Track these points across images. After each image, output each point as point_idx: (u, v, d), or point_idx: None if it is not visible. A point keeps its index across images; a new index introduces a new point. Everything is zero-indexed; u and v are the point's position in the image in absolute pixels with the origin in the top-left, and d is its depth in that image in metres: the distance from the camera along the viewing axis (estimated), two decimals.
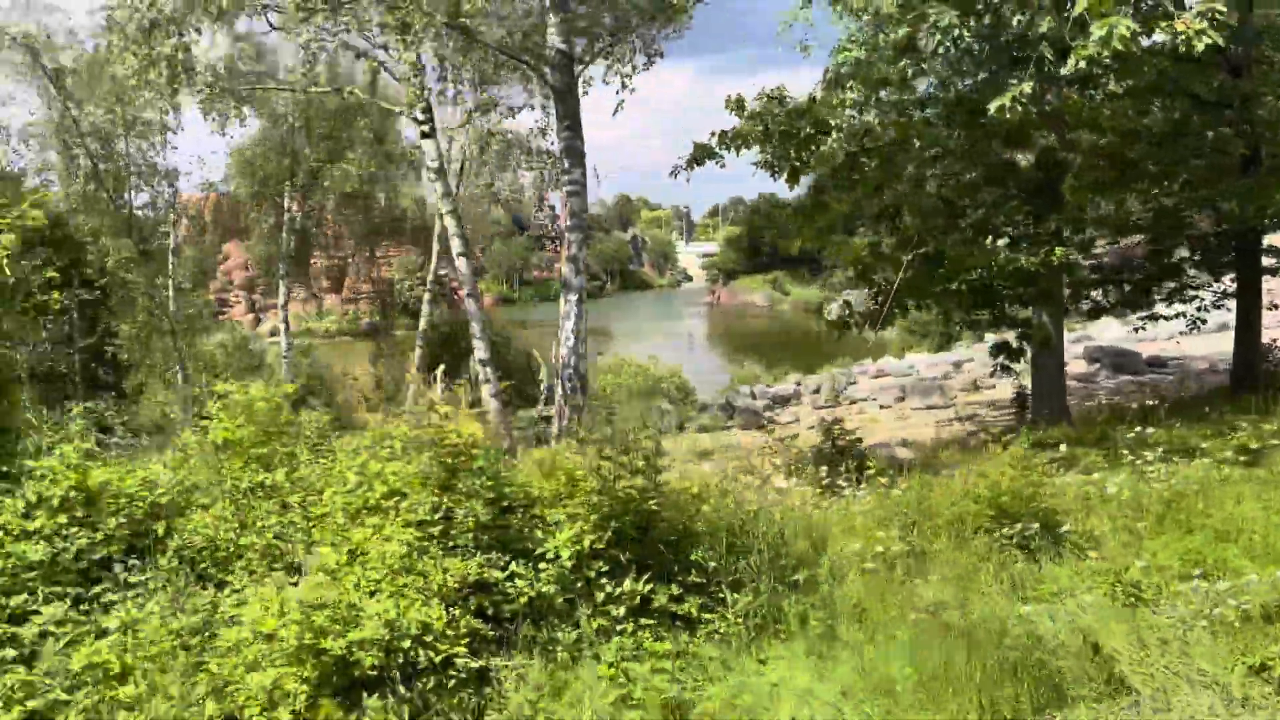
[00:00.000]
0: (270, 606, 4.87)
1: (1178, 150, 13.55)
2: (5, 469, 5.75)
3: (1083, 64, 8.25)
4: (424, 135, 10.76)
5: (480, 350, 10.68)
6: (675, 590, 5.66)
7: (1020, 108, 8.89)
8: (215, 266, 51.70)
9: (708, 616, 5.70)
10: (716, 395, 28.86)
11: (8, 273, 6.11)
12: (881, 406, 25.85)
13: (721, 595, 5.81)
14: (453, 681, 4.76)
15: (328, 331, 60.58)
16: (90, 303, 19.61)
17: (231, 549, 5.73)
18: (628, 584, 5.56)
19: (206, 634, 4.96)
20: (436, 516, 5.46)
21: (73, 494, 5.55)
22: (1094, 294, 17.27)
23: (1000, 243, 13.53)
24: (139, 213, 20.54)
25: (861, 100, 9.54)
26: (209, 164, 44.59)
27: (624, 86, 10.82)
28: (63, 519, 5.44)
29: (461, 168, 19.94)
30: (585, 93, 10.57)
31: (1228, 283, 16.58)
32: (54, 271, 8.72)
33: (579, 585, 5.55)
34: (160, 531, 5.76)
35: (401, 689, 4.64)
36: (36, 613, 4.90)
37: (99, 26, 21.61)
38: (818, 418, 19.01)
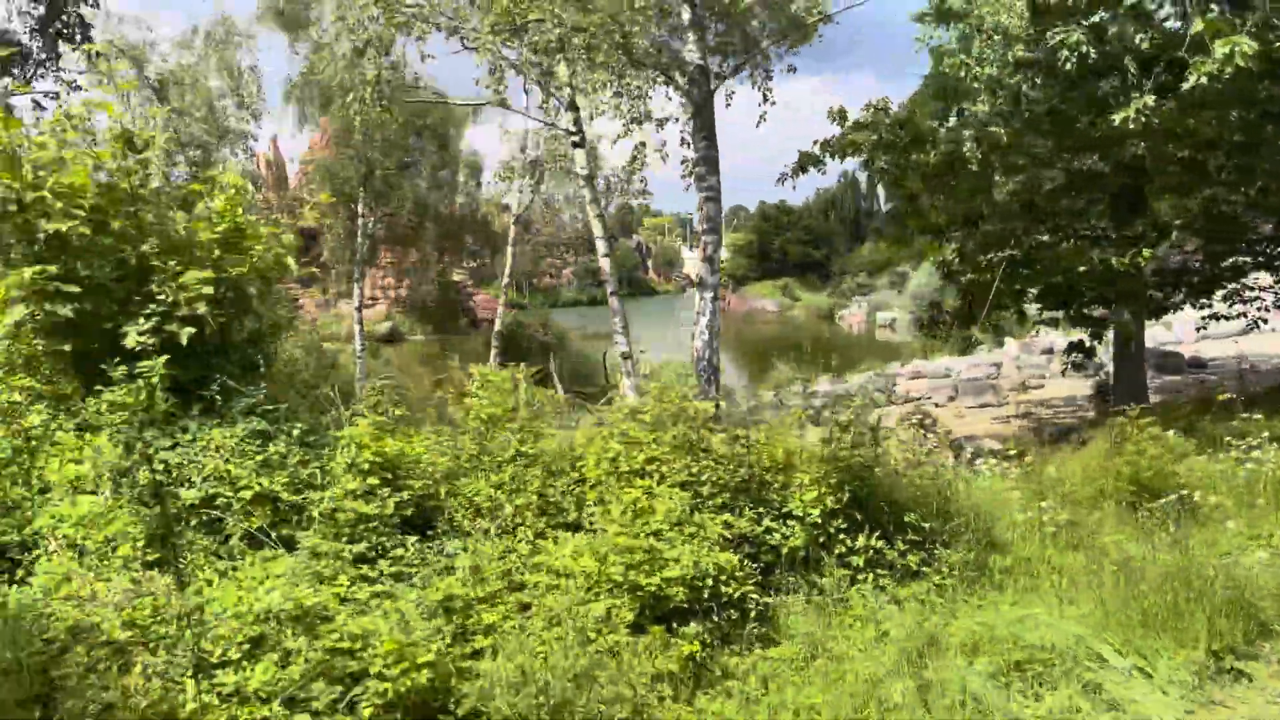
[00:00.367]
0: (581, 552, 5.71)
1: (1252, 158, 14.33)
2: (312, 438, 6.57)
3: (1203, 79, 9.04)
4: (575, 145, 11.68)
5: (621, 345, 11.53)
6: (902, 546, 6.48)
7: (1144, 119, 9.70)
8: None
9: (925, 570, 6.51)
10: (767, 395, 29.62)
11: (294, 268, 6.94)
12: (936, 405, 26.64)
13: (936, 552, 6.62)
14: (751, 613, 5.57)
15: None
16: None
17: (509, 509, 6.55)
18: (861, 539, 6.38)
19: (519, 573, 5.77)
20: (702, 477, 6.28)
21: (376, 459, 6.37)
22: (1156, 294, 18.00)
23: (1081, 245, 14.37)
24: None
25: (975, 111, 10.32)
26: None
27: (765, 100, 11.69)
28: (374, 480, 6.26)
29: (541, 179, 20.85)
30: (729, 104, 11.53)
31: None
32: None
33: (821, 540, 6.37)
34: (443, 493, 6.59)
35: (709, 620, 5.46)
36: (382, 558, 5.73)
37: (181, 37, 22.64)
38: (895, 413, 19.74)
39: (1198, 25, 9.23)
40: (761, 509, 6.39)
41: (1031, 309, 16.62)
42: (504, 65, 9.69)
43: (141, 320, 6.06)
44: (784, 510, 6.43)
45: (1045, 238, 15.47)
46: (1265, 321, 18.05)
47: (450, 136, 27.65)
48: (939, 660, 5.29)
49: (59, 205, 5.73)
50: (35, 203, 5.91)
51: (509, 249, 25.25)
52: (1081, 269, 13.87)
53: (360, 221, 24.96)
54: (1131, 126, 9.90)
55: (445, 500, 6.61)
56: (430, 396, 22.32)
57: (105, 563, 5.26)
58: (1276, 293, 17.88)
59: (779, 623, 5.83)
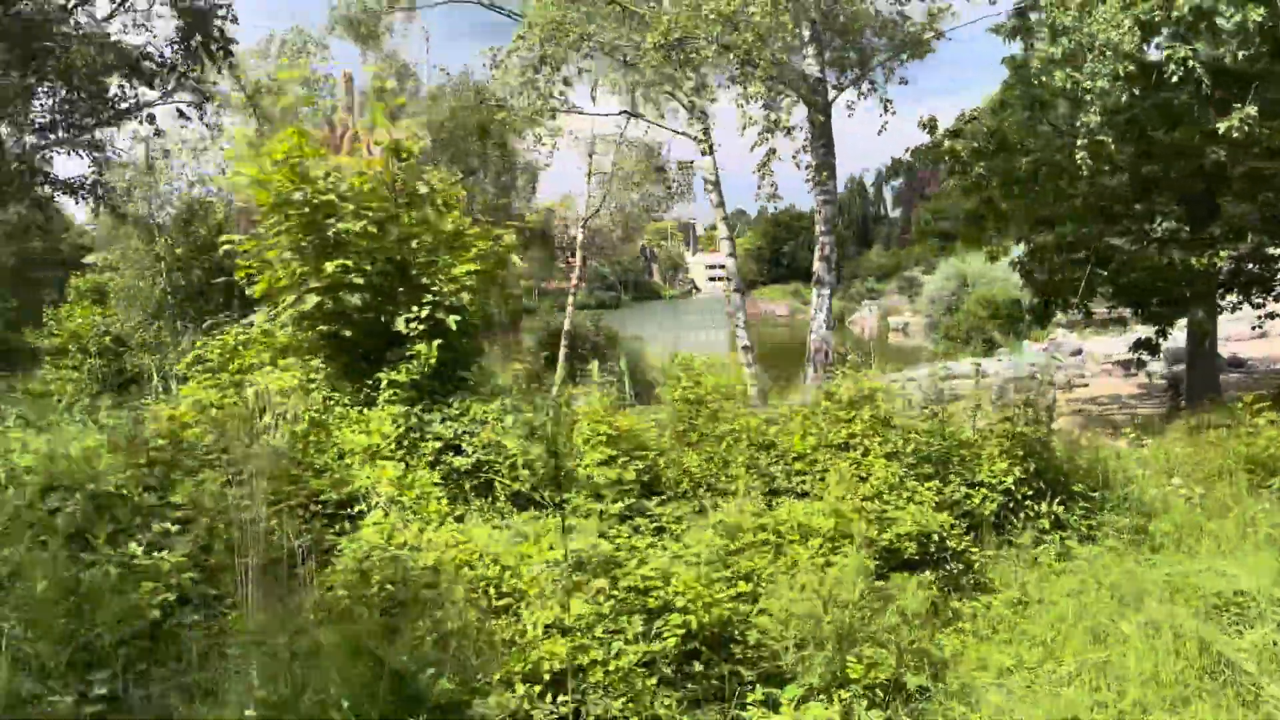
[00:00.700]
0: (812, 512, 6.50)
1: None
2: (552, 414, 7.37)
3: None
4: (703, 153, 12.55)
5: (742, 338, 12.34)
6: (1079, 510, 7.26)
7: (1247, 128, 10.49)
8: None
9: (1096, 533, 7.29)
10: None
11: (519, 264, 7.74)
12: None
13: (1101, 517, 7.40)
14: (974, 565, 6.36)
15: None
16: None
17: (721, 478, 7.34)
18: (1044, 505, 7.16)
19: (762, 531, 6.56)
20: (907, 449, 7.08)
21: (611, 433, 7.17)
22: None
23: (1151, 247, 15.16)
24: None
25: (1086, 121, 11.07)
26: None
27: (885, 110, 12.52)
28: (612, 451, 7.06)
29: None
30: (850, 113, 12.39)
31: None
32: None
33: (1010, 505, 7.15)
34: (661, 464, 7.38)
35: (939, 570, 6.25)
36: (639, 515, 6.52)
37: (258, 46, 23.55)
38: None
39: None
40: (956, 478, 7.18)
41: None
42: (643, 79, 10.51)
43: (415, 309, 6.85)
44: (974, 480, 7.21)
45: (1116, 241, 16.24)
46: None
47: (509, 142, 28.48)
48: (1142, 605, 6.06)
49: (349, 208, 6.52)
50: (324, 205, 6.71)
51: (579, 253, 26.06)
52: (1161, 268, 14.63)
53: None
54: (1235, 135, 10.67)
55: (664, 470, 7.41)
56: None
57: (419, 516, 6.05)
58: None
59: (986, 575, 6.61)
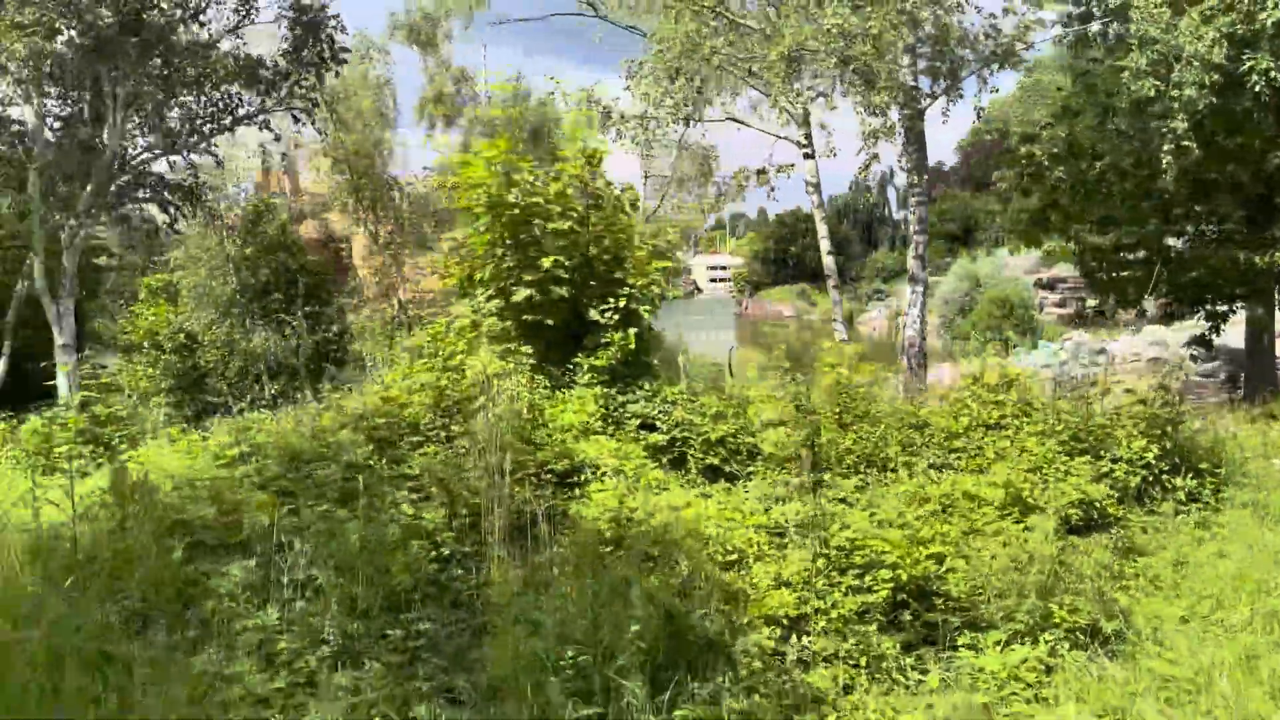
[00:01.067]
0: (980, 484, 7.18)
1: None
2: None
3: None
4: (806, 156, 13.29)
5: (840, 333, 13.07)
6: (1210, 485, 7.95)
7: None
8: None
9: (1221, 506, 7.97)
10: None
11: (679, 262, 8.41)
12: None
13: (1225, 491, 8.09)
14: (1135, 530, 7.05)
15: None
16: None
17: (878, 456, 8.03)
18: (1180, 480, 7.84)
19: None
20: (1058, 428, 7.77)
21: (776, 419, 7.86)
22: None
23: (1210, 247, 15.87)
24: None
25: (1173, 128, 11.73)
26: None
27: (979, 117, 13.23)
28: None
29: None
30: (946, 119, 13.14)
31: None
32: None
33: (1149, 479, 7.84)
34: (824, 443, 8.06)
35: (1107, 534, 6.94)
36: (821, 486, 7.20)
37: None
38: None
39: None
40: (1106, 454, 7.87)
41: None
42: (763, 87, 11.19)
43: (611, 300, 7.54)
44: (1115, 456, 7.90)
45: (1173, 242, 16.96)
46: None
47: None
48: None
49: (556, 209, 7.21)
50: (529, 207, 7.40)
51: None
52: (1220, 267, 15.33)
53: None
54: None
55: (826, 449, 8.08)
56: None
57: (639, 484, 6.74)
58: None
59: (1136, 540, 7.30)
